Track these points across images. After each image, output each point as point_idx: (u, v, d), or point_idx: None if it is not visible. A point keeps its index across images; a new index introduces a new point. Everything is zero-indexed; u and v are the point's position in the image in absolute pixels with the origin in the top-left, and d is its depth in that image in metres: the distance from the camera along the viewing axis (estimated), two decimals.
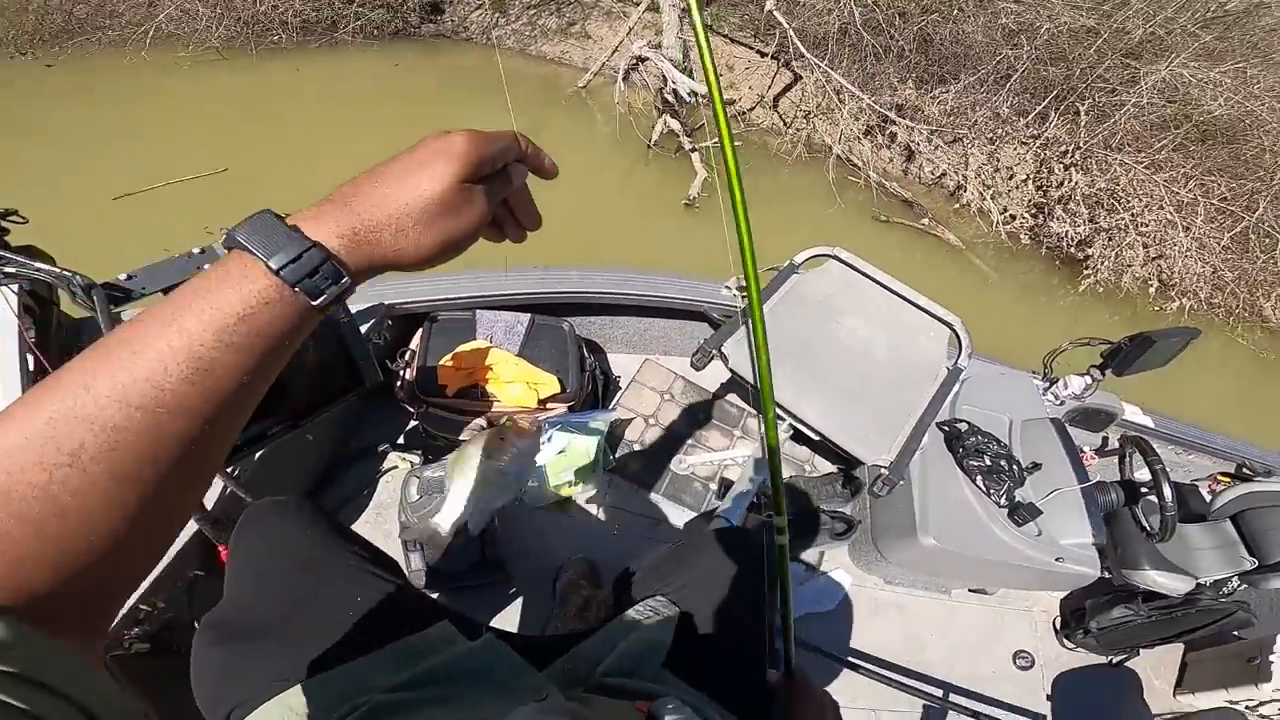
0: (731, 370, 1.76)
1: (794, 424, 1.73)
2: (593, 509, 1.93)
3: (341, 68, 5.91)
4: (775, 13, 5.58)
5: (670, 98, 5.26)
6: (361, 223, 0.40)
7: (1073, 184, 5.53)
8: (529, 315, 1.90)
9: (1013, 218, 5.75)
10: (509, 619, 1.64)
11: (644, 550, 1.89)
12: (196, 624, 1.27)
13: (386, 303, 1.73)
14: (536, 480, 1.79)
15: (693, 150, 5.27)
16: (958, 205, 5.92)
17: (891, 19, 5.76)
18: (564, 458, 1.80)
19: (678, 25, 5.32)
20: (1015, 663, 2.15)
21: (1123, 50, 5.66)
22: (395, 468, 1.78)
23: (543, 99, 6.10)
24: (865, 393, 1.77)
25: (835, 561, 2.12)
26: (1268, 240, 5.55)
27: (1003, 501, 1.91)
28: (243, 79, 5.39)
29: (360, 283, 0.41)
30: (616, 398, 2.23)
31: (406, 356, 1.79)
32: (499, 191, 0.47)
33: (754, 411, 2.31)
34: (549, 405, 1.82)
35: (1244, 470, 2.55)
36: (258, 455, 1.19)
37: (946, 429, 2.01)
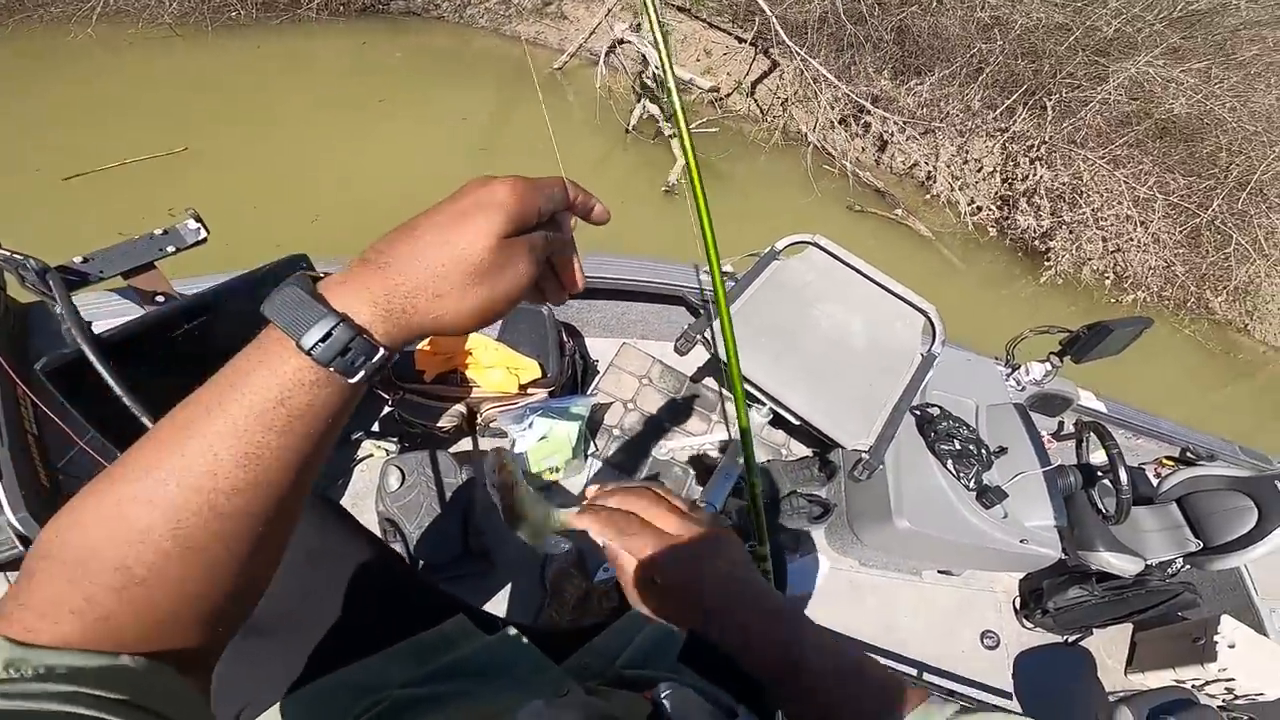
0: (715, 355, 1.77)
1: (775, 408, 1.75)
2: (575, 495, 1.91)
3: (305, 45, 5.60)
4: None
5: (650, 82, 5.20)
6: (395, 288, 0.37)
7: (1038, 178, 5.70)
8: None
9: (979, 209, 5.89)
10: (496, 609, 1.62)
11: None
12: None
13: None
14: (519, 467, 1.76)
15: (672, 136, 5.21)
16: (928, 196, 6.04)
17: (872, 9, 5.79)
18: (546, 444, 1.77)
19: (658, 11, 5.22)
20: (983, 642, 2.23)
21: (1093, 47, 5.81)
22: (370, 455, 1.73)
23: (516, 80, 5.97)
24: (844, 378, 1.79)
25: (812, 545, 2.16)
26: (1219, 237, 5.82)
27: (971, 485, 1.97)
28: (199, 58, 5.11)
29: (399, 352, 0.39)
30: (595, 382, 2.21)
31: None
32: (547, 247, 0.43)
33: (730, 395, 2.32)
34: (529, 390, 1.78)
35: (1188, 455, 2.69)
36: None
37: (918, 413, 2.06)
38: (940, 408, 2.08)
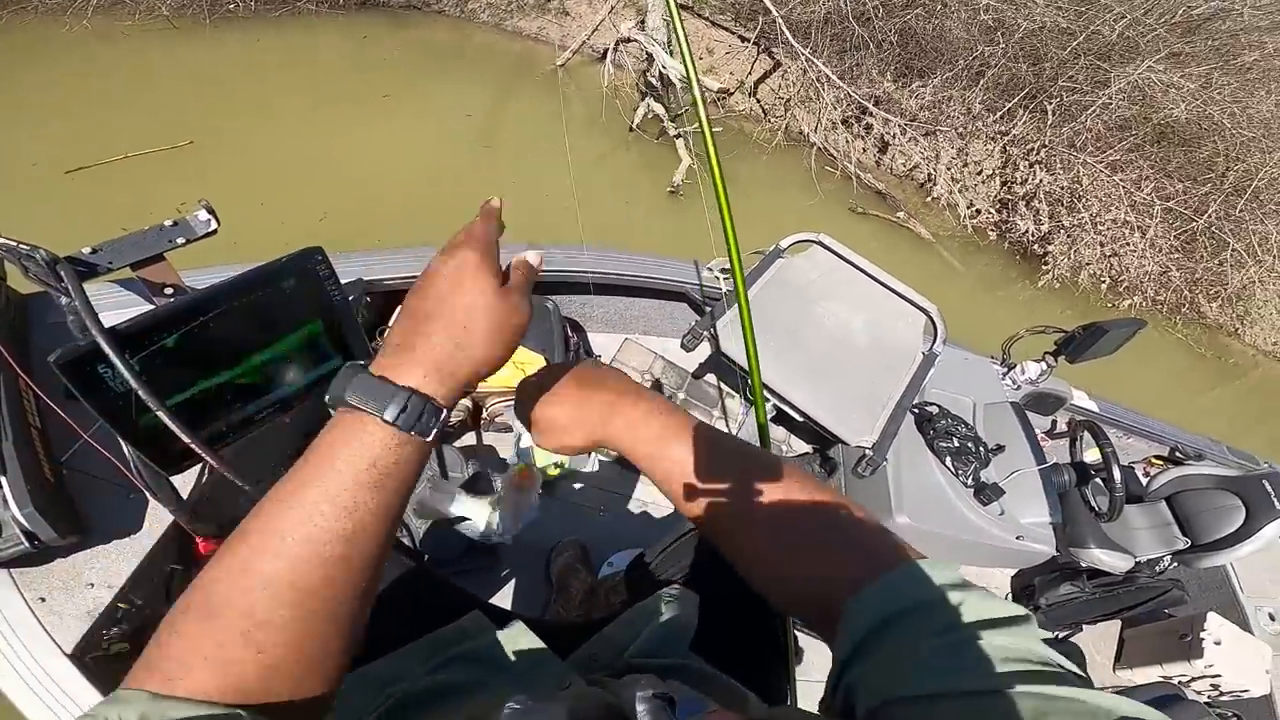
0: (722, 353, 1.77)
1: (777, 405, 1.76)
2: (580, 490, 1.92)
3: (305, 39, 5.53)
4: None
5: (654, 81, 5.15)
6: (438, 361, 0.45)
7: (1037, 181, 5.71)
8: None
9: (978, 212, 5.90)
10: (502, 603, 1.62)
11: (632, 531, 1.90)
12: None
13: (365, 279, 1.65)
14: (524, 463, 1.76)
15: (677, 136, 5.14)
16: (928, 198, 6.04)
17: (877, 10, 5.76)
18: None
19: (663, 6, 5.13)
20: None
21: (1096, 51, 5.81)
22: None
23: (518, 76, 5.92)
24: (847, 376, 1.81)
25: None
26: (1213, 242, 5.85)
27: (969, 482, 1.99)
28: (198, 51, 5.04)
29: (454, 406, 0.47)
30: None
31: (386, 334, 1.71)
32: (528, 281, 0.52)
33: (733, 392, 2.33)
34: None
35: (1177, 454, 2.73)
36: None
37: (917, 411, 2.08)
38: (939, 406, 2.10)
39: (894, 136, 5.94)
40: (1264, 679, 2.18)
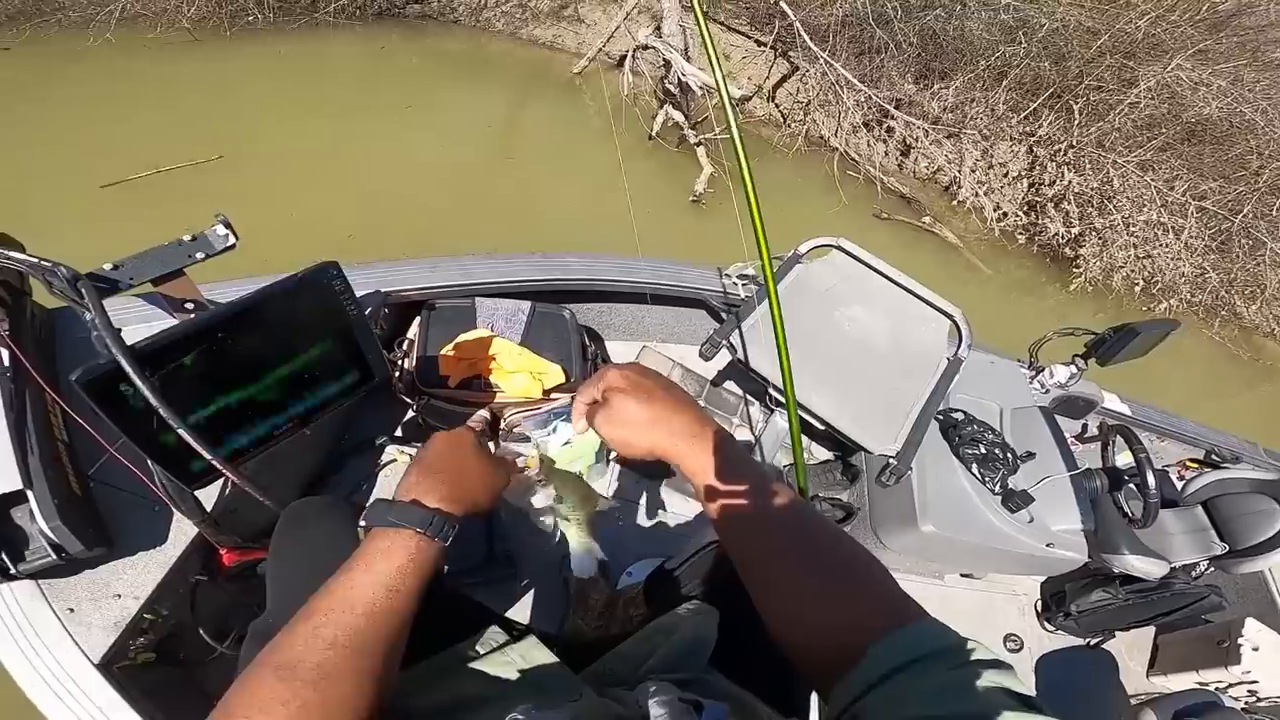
0: (740, 361, 1.75)
1: (800, 413, 1.73)
2: (599, 498, 1.91)
3: (324, 49, 5.60)
4: (782, 3, 5.49)
5: (672, 88, 5.07)
6: (449, 493, 0.66)
7: (1066, 183, 5.59)
8: (529, 303, 1.85)
9: (1005, 215, 5.79)
10: (520, 615, 1.62)
11: (650, 541, 1.89)
12: (201, 629, 1.22)
13: (384, 290, 1.66)
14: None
15: (698, 144, 5.08)
16: (954, 202, 5.95)
17: (896, 11, 5.70)
18: (570, 449, 1.75)
19: (679, 11, 5.13)
20: (1005, 645, 2.21)
21: (1122, 50, 5.70)
22: (394, 461, 1.73)
23: (536, 84, 5.94)
24: (869, 383, 1.78)
25: None
26: (1250, 242, 5.70)
27: (997, 489, 1.95)
28: (221, 63, 5.11)
29: (462, 523, 0.66)
30: None
31: (405, 346, 1.73)
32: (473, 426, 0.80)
33: (753, 399, 2.30)
34: (553, 395, 1.78)
35: (1212, 457, 2.65)
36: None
37: (942, 418, 2.04)
38: (964, 412, 2.06)
39: (917, 139, 5.86)
40: None
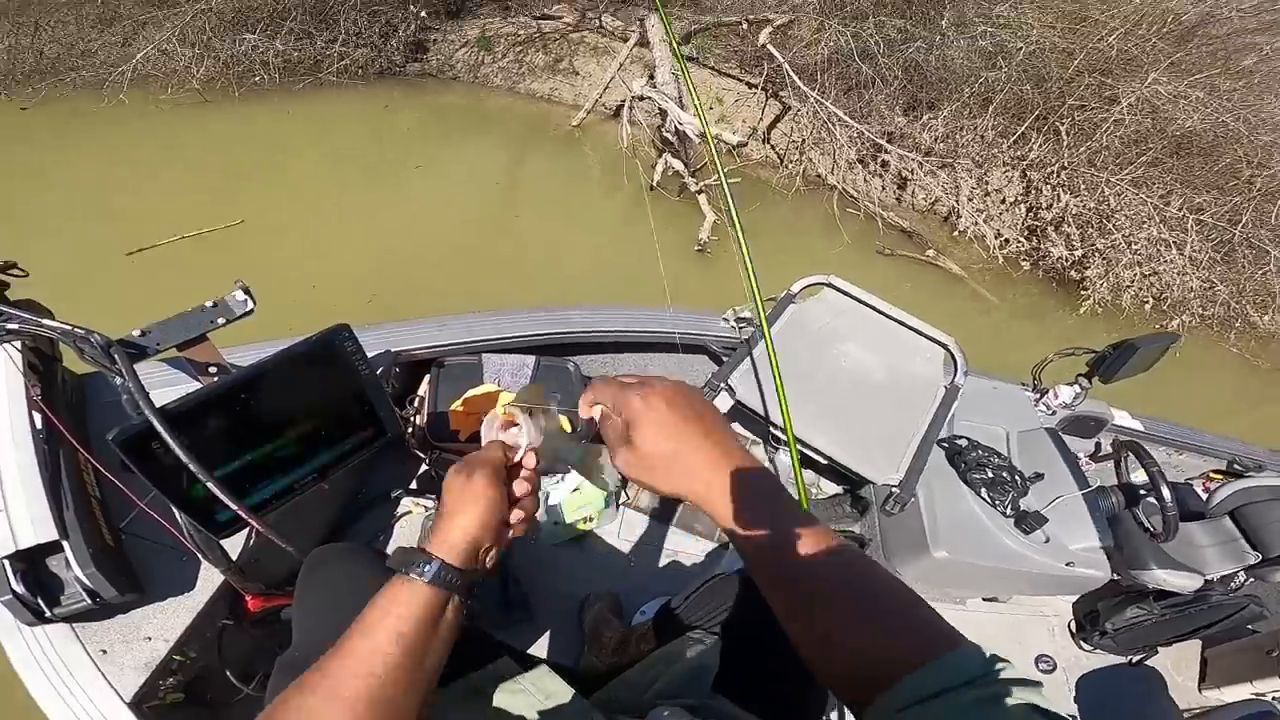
0: (738, 403, 1.80)
1: (802, 449, 1.76)
2: (609, 543, 1.95)
3: (331, 109, 5.78)
4: (769, 46, 5.64)
5: (670, 136, 5.12)
6: (457, 543, 0.64)
7: (1063, 205, 5.63)
8: (534, 357, 1.93)
9: (1007, 242, 5.81)
10: (537, 654, 1.62)
11: (662, 581, 1.91)
12: (227, 672, 1.27)
13: (394, 349, 1.75)
14: (553, 519, 1.81)
15: (699, 192, 5.11)
16: (955, 232, 5.99)
17: (878, 45, 5.84)
18: (579, 495, 1.82)
19: (670, 59, 5.25)
20: (1038, 667, 2.17)
21: (1099, 68, 5.79)
22: (409, 513, 1.79)
23: (537, 138, 6.10)
24: (868, 416, 1.81)
25: None
26: (1254, 252, 5.68)
27: (1008, 511, 1.95)
28: (232, 124, 5.27)
29: (460, 564, 0.64)
30: None
31: (416, 403, 1.81)
32: (481, 464, 0.69)
33: (757, 439, 2.34)
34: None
35: (1235, 467, 2.63)
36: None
37: (946, 446, 2.06)
38: (968, 439, 2.08)
39: (912, 172, 5.94)
40: None
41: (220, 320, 1.15)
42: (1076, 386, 2.35)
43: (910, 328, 1.99)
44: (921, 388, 1.91)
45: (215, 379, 1.17)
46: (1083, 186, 5.66)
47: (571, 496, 1.81)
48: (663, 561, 1.98)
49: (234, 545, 1.23)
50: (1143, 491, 2.20)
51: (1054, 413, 2.37)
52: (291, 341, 1.03)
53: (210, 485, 0.81)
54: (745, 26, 6.61)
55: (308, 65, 5.94)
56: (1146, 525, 2.12)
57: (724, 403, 1.87)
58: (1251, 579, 2.21)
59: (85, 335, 1.00)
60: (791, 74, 5.49)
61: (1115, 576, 2.02)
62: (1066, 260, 5.62)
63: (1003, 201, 5.92)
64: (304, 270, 3.80)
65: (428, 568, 0.61)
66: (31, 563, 1.05)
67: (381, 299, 3.66)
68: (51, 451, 1.13)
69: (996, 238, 5.78)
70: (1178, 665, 2.34)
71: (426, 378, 1.84)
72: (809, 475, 2.37)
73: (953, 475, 2.00)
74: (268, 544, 1.00)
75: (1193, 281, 5.46)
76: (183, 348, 1.14)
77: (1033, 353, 2.48)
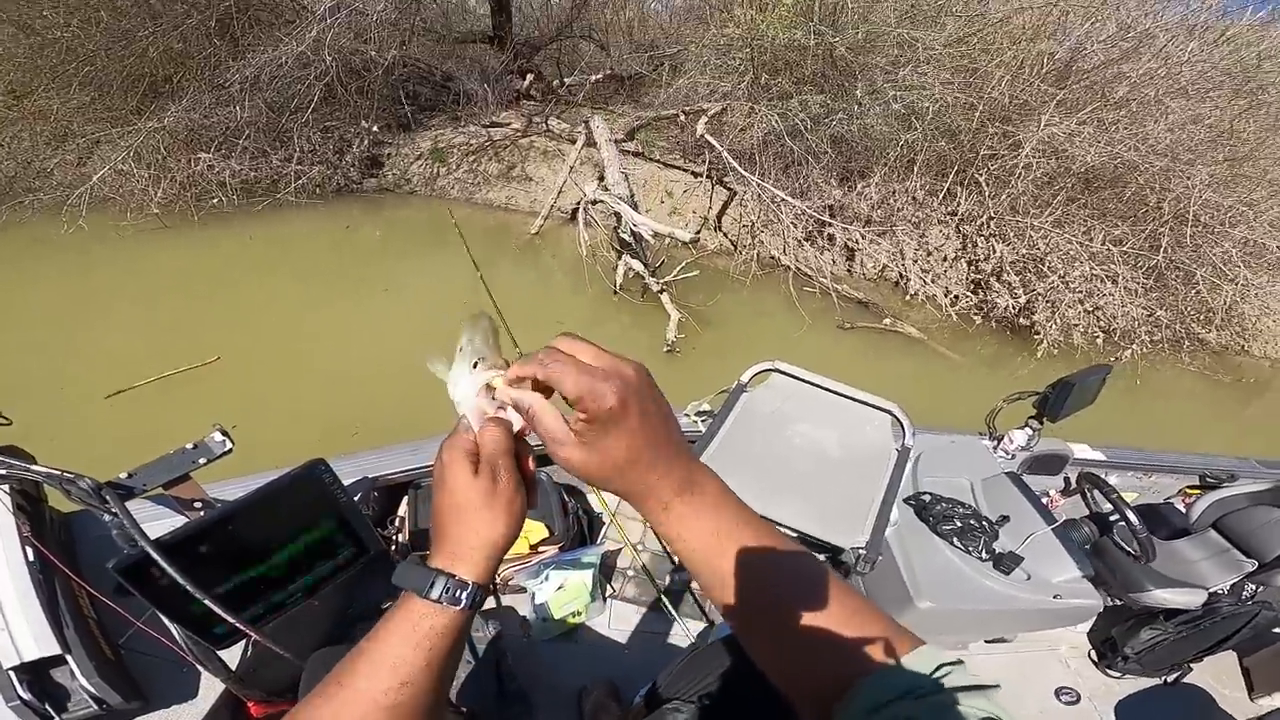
0: None
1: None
2: (600, 633, 1.98)
3: (293, 231, 5.74)
4: (708, 136, 5.93)
5: (627, 237, 5.17)
6: (451, 551, 0.56)
7: (998, 255, 5.87)
8: None
9: (956, 299, 6.01)
10: None
11: (657, 663, 1.91)
12: None
13: (371, 475, 1.84)
14: (541, 615, 1.84)
15: (661, 291, 5.14)
16: (907, 296, 6.17)
17: (805, 123, 6.07)
18: (563, 592, 1.87)
19: (619, 159, 5.38)
20: (1060, 699, 2.17)
21: (999, 116, 6.16)
22: None
23: (497, 248, 6.09)
24: (828, 487, 1.89)
25: None
26: (1181, 273, 5.94)
27: (984, 555, 2.00)
28: (194, 250, 5.13)
29: (489, 581, 0.57)
30: (602, 531, 2.31)
31: (397, 523, 1.88)
32: (504, 459, 0.57)
33: None
34: (540, 549, 1.91)
35: (1208, 480, 2.72)
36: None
37: (913, 503, 2.14)
38: (931, 494, 2.15)
39: (856, 242, 6.17)
40: None
41: (201, 460, 1.26)
42: (1028, 429, 2.46)
43: (856, 399, 2.10)
44: (875, 454, 2.00)
45: (200, 513, 1.26)
46: (1011, 234, 5.91)
47: (557, 595, 1.86)
48: (655, 645, 2.00)
49: (232, 656, 1.28)
50: (1114, 518, 2.28)
51: (1013, 456, 2.47)
52: (272, 473, 1.13)
53: (208, 602, 0.89)
54: (683, 118, 6.87)
55: (265, 185, 5.93)
56: (1126, 549, 2.18)
57: None
58: (1261, 585, 2.25)
59: (73, 479, 1.09)
60: (730, 160, 5.74)
61: (1118, 602, 2.06)
62: (1013, 309, 5.81)
63: (944, 259, 6.16)
64: (279, 400, 3.77)
65: (463, 594, 0.54)
66: (37, 674, 1.12)
67: (351, 423, 3.60)
68: (46, 580, 1.21)
69: (946, 295, 5.99)
70: (1219, 678, 2.35)
71: (405, 498, 1.92)
72: None
73: (924, 529, 2.06)
74: (266, 653, 1.06)
75: (1134, 311, 5.64)
76: (168, 486, 1.24)
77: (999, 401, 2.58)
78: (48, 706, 1.11)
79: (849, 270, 6.45)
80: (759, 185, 5.75)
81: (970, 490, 2.24)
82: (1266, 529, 2.21)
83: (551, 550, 1.96)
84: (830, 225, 6.04)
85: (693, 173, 6.82)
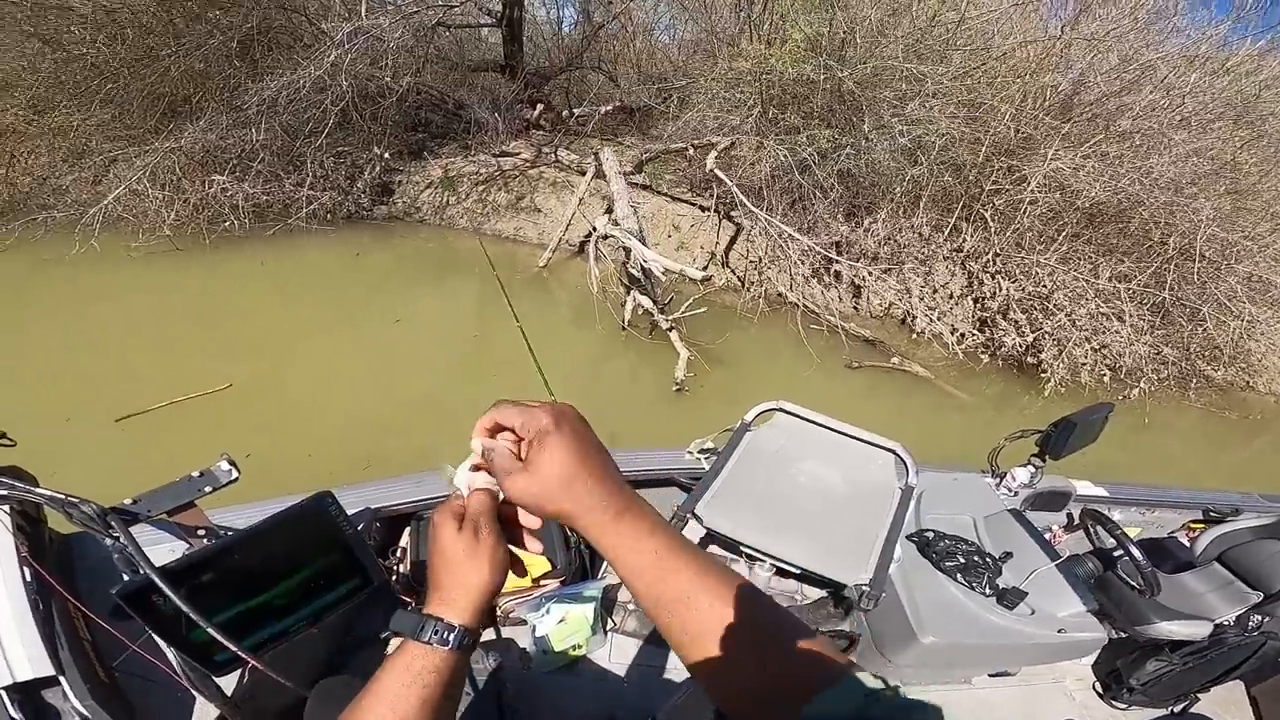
0: (707, 528, 1.89)
1: (778, 563, 1.85)
2: (602, 666, 1.98)
3: (304, 257, 5.74)
4: (717, 170, 5.93)
5: (636, 273, 5.14)
6: (442, 598, 0.61)
7: (1004, 293, 5.84)
8: None
9: (963, 337, 5.97)
10: None
11: (660, 697, 1.91)
12: None
13: (372, 507, 1.86)
14: (542, 648, 1.84)
15: (670, 329, 5.05)
16: (913, 335, 6.12)
17: (813, 157, 6.05)
18: (565, 626, 1.87)
19: (628, 191, 5.34)
20: None
21: (1004, 150, 6.16)
22: None
23: (507, 280, 5.82)
24: (833, 525, 1.90)
25: None
26: (1187, 310, 5.91)
27: (987, 591, 2.00)
28: (205, 274, 5.15)
29: (476, 624, 0.62)
30: (604, 565, 2.31)
31: (399, 554, 1.89)
32: (488, 516, 0.63)
33: (735, 558, 2.40)
34: (542, 583, 1.92)
35: (1211, 514, 2.71)
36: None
37: (916, 540, 2.14)
38: (934, 531, 2.16)
39: (863, 279, 6.15)
40: None
41: (207, 489, 1.28)
42: (1030, 467, 2.46)
43: (859, 439, 2.12)
44: (879, 492, 2.02)
45: (204, 540, 1.27)
46: (1018, 271, 5.90)
47: (558, 628, 1.86)
48: (655, 679, 1.99)
49: (227, 682, 1.28)
50: (1118, 554, 2.27)
51: (1016, 494, 2.47)
52: (278, 502, 1.15)
53: (212, 632, 0.90)
54: (691, 152, 6.91)
55: (277, 210, 5.96)
56: (1131, 583, 2.18)
57: (694, 531, 1.96)
58: (1266, 616, 2.24)
59: (76, 503, 1.11)
60: (739, 195, 5.75)
61: (1123, 634, 2.05)
62: (1020, 347, 5.78)
63: (950, 297, 6.15)
64: (289, 426, 3.76)
65: (451, 636, 0.59)
66: (29, 694, 1.11)
67: (367, 459, 3.56)
68: (43, 601, 1.21)
69: (953, 333, 5.96)
70: (1226, 708, 2.35)
71: (407, 530, 1.93)
72: (791, 584, 2.41)
73: (927, 566, 2.07)
74: (263, 681, 1.06)
75: (1140, 348, 5.62)
76: (172, 513, 1.26)
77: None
78: None
79: (855, 307, 6.43)
80: (766, 220, 5.74)
81: (973, 527, 2.24)
82: (1272, 561, 2.21)
83: (553, 584, 1.97)
84: (837, 262, 6.05)
85: (700, 206, 6.85)
